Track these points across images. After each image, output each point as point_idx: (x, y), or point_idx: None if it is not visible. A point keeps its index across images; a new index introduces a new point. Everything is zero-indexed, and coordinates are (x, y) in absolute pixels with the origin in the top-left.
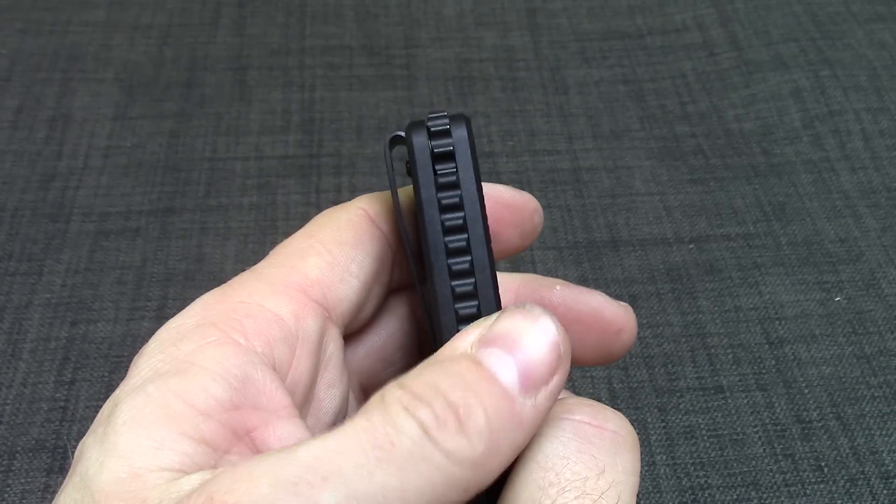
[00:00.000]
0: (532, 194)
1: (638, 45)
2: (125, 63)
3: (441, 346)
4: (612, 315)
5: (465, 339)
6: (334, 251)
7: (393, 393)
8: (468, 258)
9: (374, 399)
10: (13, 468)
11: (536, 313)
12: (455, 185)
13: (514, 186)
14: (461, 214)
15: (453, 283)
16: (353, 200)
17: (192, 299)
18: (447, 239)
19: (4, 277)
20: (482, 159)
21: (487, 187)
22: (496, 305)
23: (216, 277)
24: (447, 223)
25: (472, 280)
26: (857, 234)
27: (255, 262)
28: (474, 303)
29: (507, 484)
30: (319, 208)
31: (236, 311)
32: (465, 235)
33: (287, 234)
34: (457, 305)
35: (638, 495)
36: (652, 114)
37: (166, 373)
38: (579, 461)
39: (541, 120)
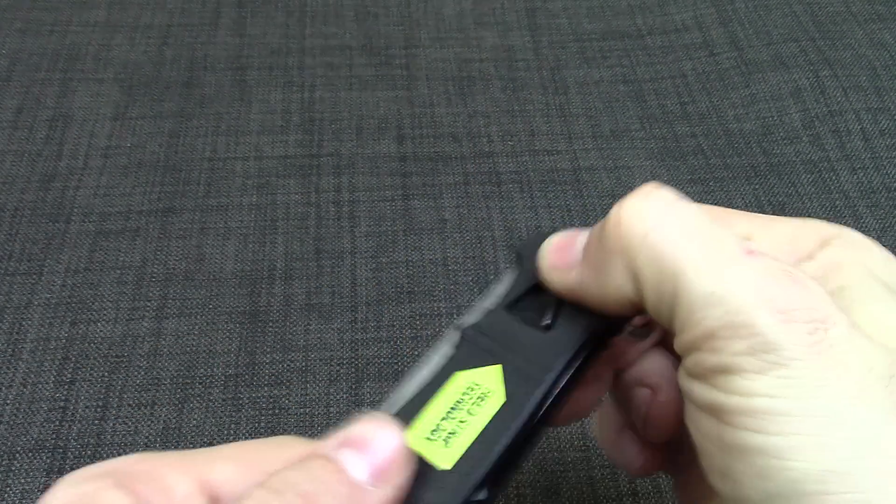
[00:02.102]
0: (532, 194)
1: (638, 45)
2: (125, 63)
3: None
4: None
5: (323, 444)
6: (248, 471)
7: (253, 491)
8: None
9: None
10: (13, 468)
11: (384, 421)
12: None
13: (514, 186)
14: None
15: None
16: (293, 443)
17: (192, 299)
18: None
19: (4, 277)
20: (482, 159)
21: None
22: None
23: (216, 277)
24: None
25: None
26: None
27: (254, 262)
28: None
29: None
30: (319, 208)
31: (137, 473)
32: None
33: (287, 234)
34: None
35: (638, 495)
36: (652, 114)
37: None
38: None
39: (541, 120)
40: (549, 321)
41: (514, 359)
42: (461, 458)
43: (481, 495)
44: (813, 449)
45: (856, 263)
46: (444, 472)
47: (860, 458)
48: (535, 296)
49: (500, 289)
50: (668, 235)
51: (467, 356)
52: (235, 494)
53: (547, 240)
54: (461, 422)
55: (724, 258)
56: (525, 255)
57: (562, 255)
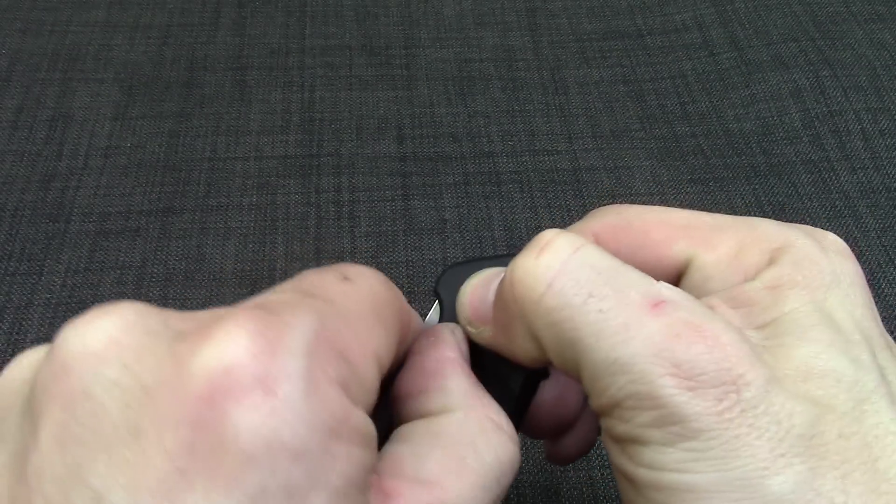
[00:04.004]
0: (532, 194)
1: (638, 45)
2: (125, 63)
3: None
4: None
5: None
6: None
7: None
8: None
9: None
10: None
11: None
12: None
13: (514, 186)
14: None
15: None
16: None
17: (192, 299)
18: None
19: (4, 277)
20: (482, 159)
21: None
22: None
23: (216, 277)
24: None
25: None
26: (857, 234)
27: (254, 262)
28: None
29: None
30: (319, 208)
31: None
32: None
33: (287, 234)
34: None
35: None
36: (652, 114)
37: None
38: None
39: (541, 120)
40: (480, 374)
41: None
42: None
43: None
44: None
45: (800, 287)
46: None
47: None
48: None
49: None
50: (563, 298)
51: None
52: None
53: (464, 287)
54: None
55: (624, 319)
56: (444, 296)
57: (475, 309)
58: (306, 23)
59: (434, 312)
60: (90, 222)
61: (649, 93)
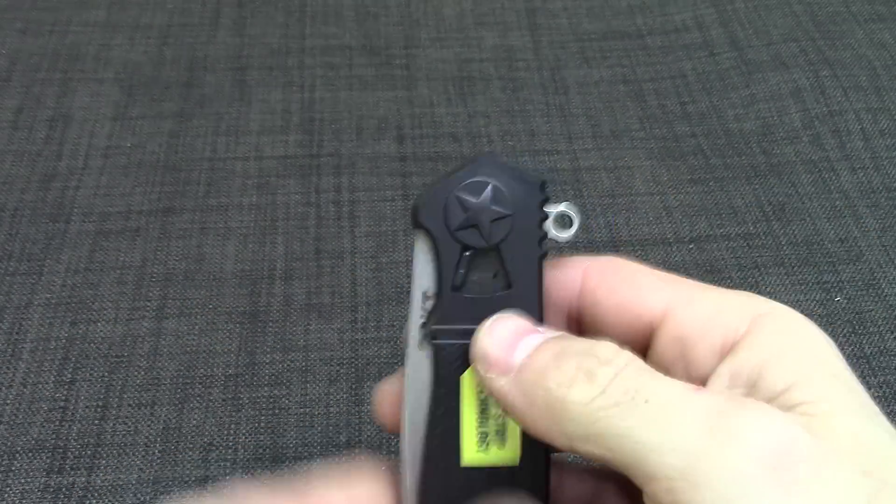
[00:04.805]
0: None
1: (638, 45)
2: (125, 63)
3: None
4: None
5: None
6: None
7: None
8: None
9: None
10: (13, 468)
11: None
12: None
13: None
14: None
15: None
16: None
17: (192, 299)
18: None
19: (4, 277)
20: None
21: None
22: None
23: (216, 277)
24: None
25: None
26: (857, 234)
27: (254, 262)
28: None
29: None
30: (319, 208)
31: None
32: None
33: (287, 234)
34: None
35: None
36: (652, 114)
37: None
38: None
39: (541, 120)
40: (502, 278)
41: None
42: (524, 448)
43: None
44: None
45: (801, 351)
46: (516, 469)
47: None
48: (465, 258)
49: (426, 269)
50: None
51: (453, 357)
52: None
53: (494, 327)
54: (499, 415)
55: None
56: (432, 227)
57: (498, 360)
58: (306, 23)
59: (420, 250)
60: (90, 222)
61: (649, 93)
